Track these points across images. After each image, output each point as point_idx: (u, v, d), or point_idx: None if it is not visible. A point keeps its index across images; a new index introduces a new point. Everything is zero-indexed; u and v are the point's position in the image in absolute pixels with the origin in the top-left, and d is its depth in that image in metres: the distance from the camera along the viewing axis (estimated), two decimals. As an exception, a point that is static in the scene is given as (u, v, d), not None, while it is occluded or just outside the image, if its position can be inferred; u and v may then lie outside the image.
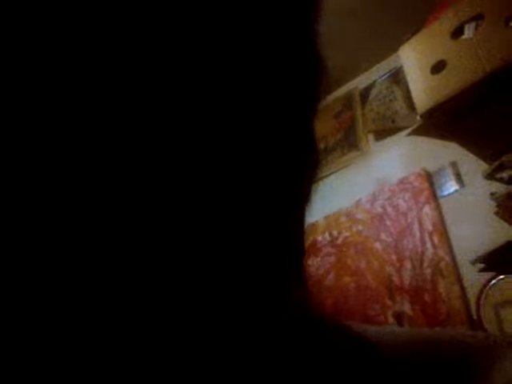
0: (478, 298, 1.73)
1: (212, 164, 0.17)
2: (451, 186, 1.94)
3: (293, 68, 0.20)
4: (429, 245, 1.94)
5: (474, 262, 1.63)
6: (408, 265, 1.98)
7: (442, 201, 1.96)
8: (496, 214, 1.65)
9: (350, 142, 2.34)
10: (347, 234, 2.21)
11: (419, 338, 0.26)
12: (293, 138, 0.21)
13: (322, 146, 2.43)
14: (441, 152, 1.95)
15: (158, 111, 0.16)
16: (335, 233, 2.24)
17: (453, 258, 1.87)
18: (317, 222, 2.28)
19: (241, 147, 0.18)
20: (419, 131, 1.93)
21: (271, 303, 0.19)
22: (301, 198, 0.22)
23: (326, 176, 2.35)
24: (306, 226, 0.23)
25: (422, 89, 1.77)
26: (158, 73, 0.16)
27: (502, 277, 1.67)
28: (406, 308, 1.94)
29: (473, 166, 1.83)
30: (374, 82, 2.29)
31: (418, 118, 1.82)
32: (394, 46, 1.99)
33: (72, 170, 0.15)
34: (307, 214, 0.22)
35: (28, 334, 0.15)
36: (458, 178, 1.92)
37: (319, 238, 2.28)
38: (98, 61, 0.15)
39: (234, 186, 0.18)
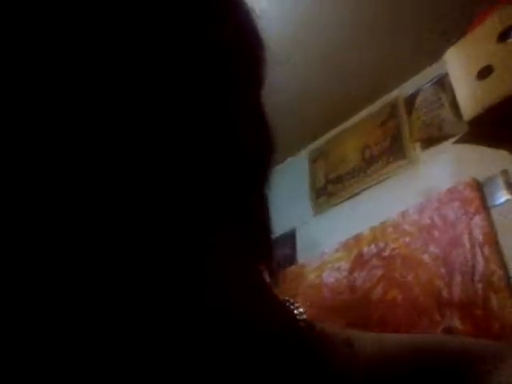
0: (534, 314, 1.64)
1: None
2: (502, 196, 1.86)
3: None
4: (480, 257, 1.86)
5: (526, 277, 1.55)
6: (458, 278, 1.91)
7: (492, 211, 1.87)
8: (550, 225, 1.56)
9: (395, 150, 2.28)
10: (394, 245, 2.15)
11: (414, 345, 0.25)
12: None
13: (366, 155, 2.38)
14: (490, 160, 1.87)
15: (154, 115, 0.17)
16: (382, 245, 2.18)
17: (505, 271, 1.79)
18: (362, 233, 2.23)
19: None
20: (467, 139, 1.86)
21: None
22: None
23: (371, 185, 2.30)
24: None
25: (469, 95, 1.71)
26: (154, 76, 0.17)
27: (558, 292, 1.57)
28: (457, 323, 1.86)
29: (525, 174, 1.75)
30: (420, 88, 2.23)
31: (465, 125, 1.76)
32: (439, 52, 1.94)
33: (71, 170, 0.15)
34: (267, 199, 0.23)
35: (28, 334, 0.15)
36: (510, 187, 1.84)
37: (365, 250, 2.22)
38: (98, 63, 0.16)
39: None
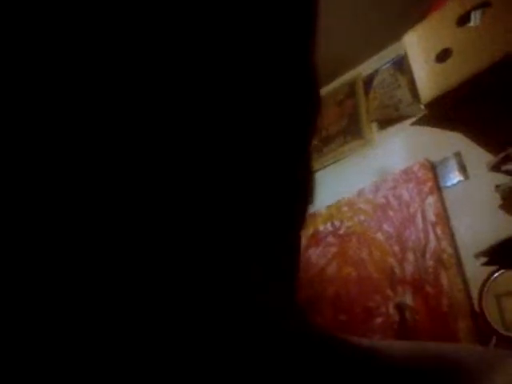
0: (481, 291, 1.71)
1: (205, 165, 0.17)
2: (455, 177, 1.92)
3: (288, 82, 0.21)
4: (432, 236, 1.92)
5: (477, 256, 1.61)
6: (410, 256, 1.97)
7: (445, 192, 1.93)
8: (500, 206, 1.62)
9: (352, 130, 2.31)
10: (349, 223, 2.19)
11: (418, 353, 0.25)
12: (286, 149, 0.21)
13: (323, 134, 2.40)
14: (445, 142, 1.92)
15: (156, 112, 0.16)
16: (337, 223, 2.22)
17: (456, 249, 1.85)
18: (318, 211, 2.26)
19: (236, 150, 0.18)
20: (423, 121, 1.90)
21: (259, 304, 0.19)
22: (294, 212, 0.22)
23: (328, 164, 2.33)
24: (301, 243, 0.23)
25: (427, 77, 1.74)
26: (157, 74, 0.16)
27: (504, 270, 1.65)
28: (408, 299, 1.93)
29: (478, 157, 1.81)
30: (378, 69, 2.25)
31: (422, 107, 1.79)
32: (398, 33, 1.96)
33: (71, 170, 0.15)
34: (302, 231, 0.23)
35: (27, 334, 0.15)
36: (463, 169, 1.90)
37: (321, 228, 2.26)
38: (98, 61, 0.16)
39: (227, 190, 0.18)
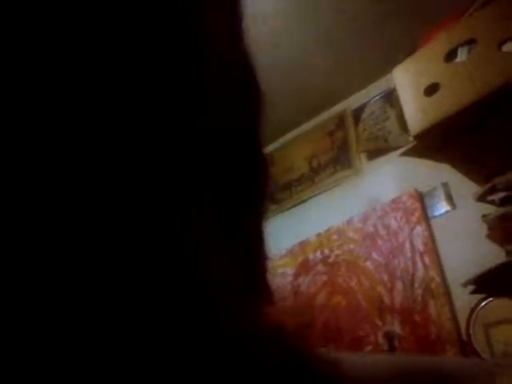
0: (468, 319, 1.73)
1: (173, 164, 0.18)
2: (442, 207, 1.95)
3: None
4: (420, 265, 1.94)
5: (464, 285, 1.63)
6: (399, 285, 1.98)
7: (433, 221, 1.97)
8: (487, 236, 1.65)
9: (342, 160, 2.35)
10: (339, 252, 2.21)
11: (398, 366, 0.26)
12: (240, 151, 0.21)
13: (314, 164, 2.44)
14: (433, 173, 1.96)
15: (152, 112, 0.17)
16: (327, 251, 2.24)
17: (443, 278, 1.88)
18: (308, 240, 2.28)
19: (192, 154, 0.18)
20: (412, 152, 1.94)
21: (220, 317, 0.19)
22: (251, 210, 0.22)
23: (318, 193, 2.36)
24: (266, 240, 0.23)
25: (415, 110, 1.79)
26: (154, 75, 0.17)
27: (492, 299, 1.67)
28: (397, 328, 1.94)
29: (464, 187, 1.85)
30: (368, 101, 2.31)
31: (411, 139, 1.84)
32: (387, 67, 2.01)
33: (68, 170, 0.15)
34: (265, 228, 0.23)
35: (26, 333, 0.15)
36: (450, 199, 1.93)
37: (311, 256, 2.27)
38: (97, 62, 0.16)
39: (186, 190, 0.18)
